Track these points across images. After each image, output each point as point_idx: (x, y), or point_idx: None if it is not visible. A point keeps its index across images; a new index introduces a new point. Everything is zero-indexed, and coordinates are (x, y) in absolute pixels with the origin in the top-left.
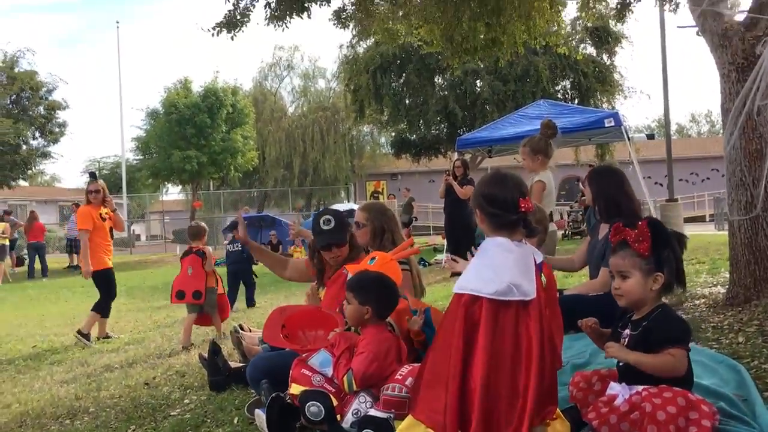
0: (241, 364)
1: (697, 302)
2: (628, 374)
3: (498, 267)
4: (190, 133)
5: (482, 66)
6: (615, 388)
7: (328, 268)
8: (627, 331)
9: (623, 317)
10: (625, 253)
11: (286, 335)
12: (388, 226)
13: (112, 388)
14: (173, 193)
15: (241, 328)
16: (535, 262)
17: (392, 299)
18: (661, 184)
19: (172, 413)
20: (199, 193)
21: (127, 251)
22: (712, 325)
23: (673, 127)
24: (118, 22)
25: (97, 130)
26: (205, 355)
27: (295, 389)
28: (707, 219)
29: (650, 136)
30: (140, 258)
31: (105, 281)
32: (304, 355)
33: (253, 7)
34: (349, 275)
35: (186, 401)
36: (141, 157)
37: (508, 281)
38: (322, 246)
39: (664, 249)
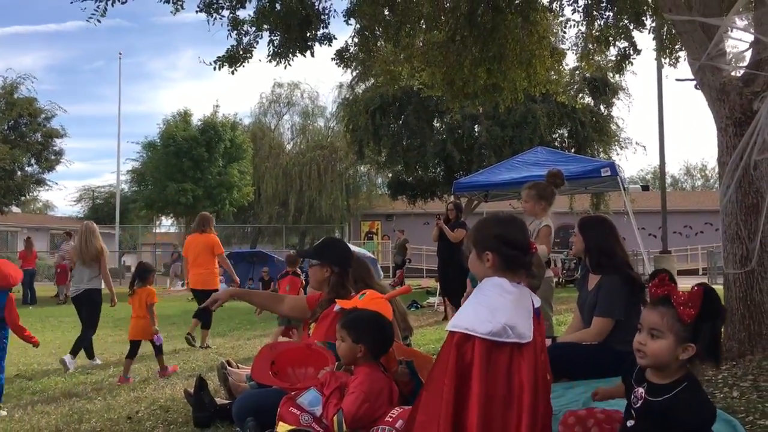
0: (227, 401)
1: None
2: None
3: (494, 307)
4: (186, 165)
5: (481, 111)
6: None
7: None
8: (641, 391)
9: (636, 369)
10: (665, 311)
11: (275, 372)
12: (354, 274)
13: (93, 421)
14: (166, 225)
15: (229, 365)
16: (533, 305)
17: (387, 340)
18: (655, 236)
19: None
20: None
21: (116, 282)
22: (706, 378)
23: (668, 180)
24: (120, 53)
25: (92, 158)
26: (191, 390)
27: (282, 428)
28: (700, 272)
29: (645, 188)
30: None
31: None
32: (292, 393)
33: (257, 44)
34: (339, 308)
35: None
36: (136, 188)
37: (503, 322)
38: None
39: (707, 321)
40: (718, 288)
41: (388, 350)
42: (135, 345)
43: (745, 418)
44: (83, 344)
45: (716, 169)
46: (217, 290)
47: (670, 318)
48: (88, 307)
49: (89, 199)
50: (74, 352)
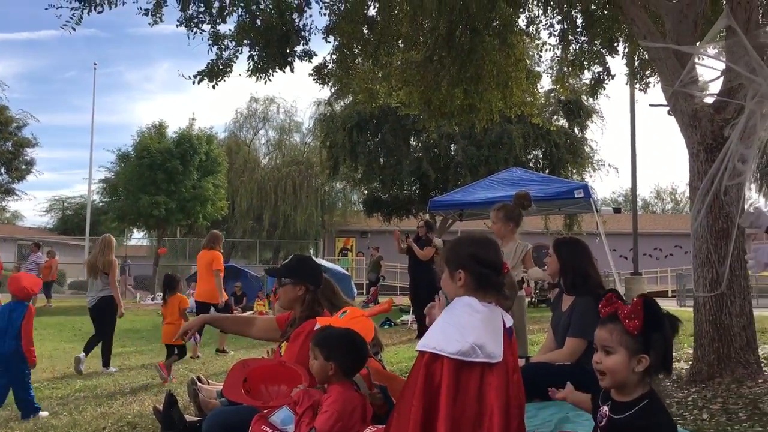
0: (196, 418)
1: (661, 376)
2: None
3: (463, 326)
4: (160, 178)
5: (457, 130)
6: None
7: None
8: (605, 409)
9: (603, 392)
10: (613, 327)
11: (247, 390)
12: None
13: None
14: (137, 237)
15: (199, 380)
16: (504, 325)
17: (359, 358)
18: (626, 258)
19: None
20: (165, 239)
21: (85, 295)
22: (676, 400)
23: (639, 202)
24: (96, 64)
25: (63, 168)
26: (160, 407)
27: None
28: (670, 294)
29: (617, 210)
30: None
31: None
32: (264, 411)
33: (236, 58)
34: (319, 327)
35: None
36: (108, 200)
37: (472, 341)
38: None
39: (655, 331)
40: (688, 311)
41: (362, 368)
42: (171, 348)
43: None
44: (96, 345)
45: (686, 193)
46: (217, 304)
47: (618, 333)
48: (106, 313)
49: (59, 209)
50: (87, 351)
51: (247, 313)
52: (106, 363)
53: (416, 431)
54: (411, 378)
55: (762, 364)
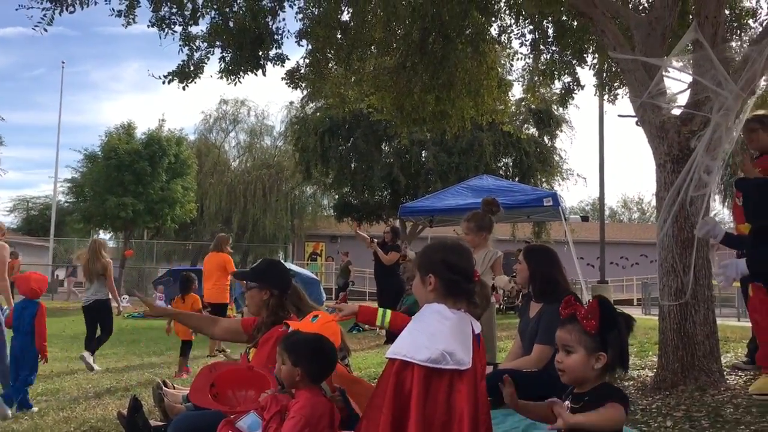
0: (161, 423)
1: (626, 383)
2: None
3: (433, 334)
4: (128, 179)
5: (429, 137)
6: None
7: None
8: (567, 403)
9: (567, 390)
10: (572, 327)
11: (214, 395)
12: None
13: None
14: (103, 239)
15: (165, 385)
16: (473, 332)
17: (327, 364)
18: (593, 266)
19: None
20: (132, 241)
21: (48, 296)
22: (641, 407)
23: (606, 212)
24: (63, 62)
25: (28, 168)
26: (124, 412)
27: None
28: (635, 303)
29: (585, 218)
30: (60, 305)
31: None
32: (231, 416)
33: (208, 60)
34: (292, 330)
35: None
36: (74, 200)
37: (441, 349)
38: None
39: (611, 330)
40: (653, 319)
41: (329, 375)
42: (186, 344)
43: None
44: (101, 344)
45: (653, 203)
46: (227, 304)
47: (577, 333)
48: (102, 314)
49: (23, 209)
50: (92, 350)
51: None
52: (92, 351)
53: None
54: (381, 385)
55: (724, 373)
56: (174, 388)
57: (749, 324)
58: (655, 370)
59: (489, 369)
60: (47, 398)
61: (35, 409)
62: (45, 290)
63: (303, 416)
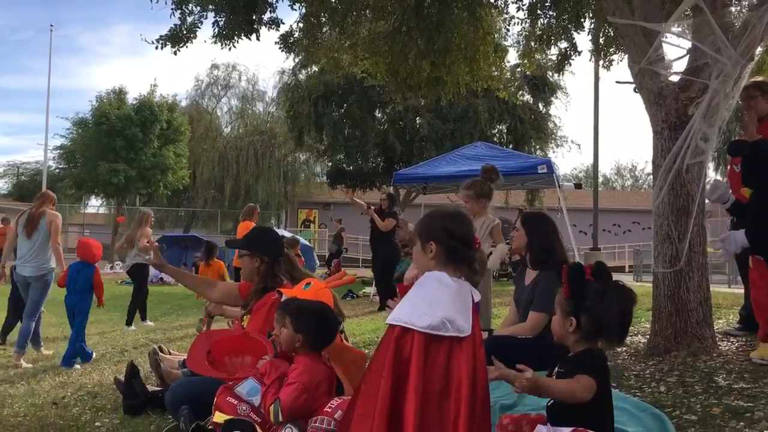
0: (158, 388)
1: (619, 350)
2: (556, 415)
3: (433, 301)
4: (119, 145)
5: (423, 103)
6: (541, 430)
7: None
8: (557, 367)
9: (562, 356)
10: (559, 289)
11: (211, 361)
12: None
13: (16, 406)
14: (94, 205)
15: (161, 350)
16: (472, 300)
17: (327, 334)
18: (585, 233)
19: None
20: (124, 207)
21: None
22: (634, 373)
23: (600, 179)
24: (52, 26)
25: (16, 133)
26: (121, 377)
27: (218, 417)
28: (626, 270)
29: (578, 186)
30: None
31: None
32: (230, 383)
33: (201, 24)
34: (284, 298)
35: (97, 424)
36: (64, 166)
37: (442, 316)
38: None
39: (584, 298)
40: (645, 286)
41: (329, 344)
42: None
43: (672, 412)
44: (137, 308)
45: (646, 170)
46: None
47: (559, 296)
48: (138, 279)
49: (13, 175)
50: (130, 322)
51: None
52: (129, 322)
53: (385, 403)
54: (380, 351)
55: (717, 339)
56: (170, 354)
57: (741, 290)
58: (647, 337)
59: (484, 335)
60: (43, 363)
61: (94, 355)
62: (101, 256)
63: (302, 382)
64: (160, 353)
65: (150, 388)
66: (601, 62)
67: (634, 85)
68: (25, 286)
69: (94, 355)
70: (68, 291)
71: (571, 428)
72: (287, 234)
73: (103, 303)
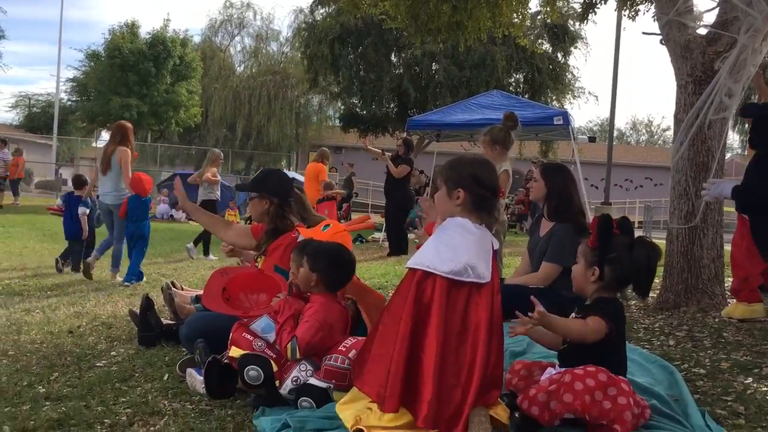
0: (171, 322)
1: (629, 303)
2: (567, 358)
3: (457, 247)
4: (132, 80)
5: (440, 48)
6: (550, 371)
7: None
8: (573, 315)
9: (579, 305)
10: (584, 239)
11: (227, 298)
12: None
13: (33, 333)
14: (105, 139)
15: (174, 285)
16: (492, 247)
17: (343, 275)
18: (596, 187)
19: (97, 364)
20: (136, 143)
21: (53, 195)
22: (643, 326)
23: (614, 133)
24: None
25: (28, 63)
26: (136, 310)
27: (234, 352)
28: (636, 225)
29: (592, 139)
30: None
31: None
32: (245, 319)
33: None
34: (302, 239)
35: (113, 353)
36: (77, 99)
37: (464, 262)
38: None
39: (611, 250)
40: (656, 241)
41: (346, 284)
42: None
43: (681, 365)
44: (209, 239)
45: (662, 126)
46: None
47: (584, 246)
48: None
49: (25, 106)
50: (207, 252)
51: None
52: (206, 252)
53: (404, 344)
54: (399, 294)
55: (727, 296)
56: (182, 289)
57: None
58: (657, 291)
59: None
60: (57, 293)
61: (144, 279)
62: (151, 190)
63: (317, 320)
64: (173, 288)
65: (164, 321)
66: (626, 12)
67: (660, 37)
68: (107, 213)
69: (144, 278)
70: (128, 221)
71: (582, 367)
72: (298, 176)
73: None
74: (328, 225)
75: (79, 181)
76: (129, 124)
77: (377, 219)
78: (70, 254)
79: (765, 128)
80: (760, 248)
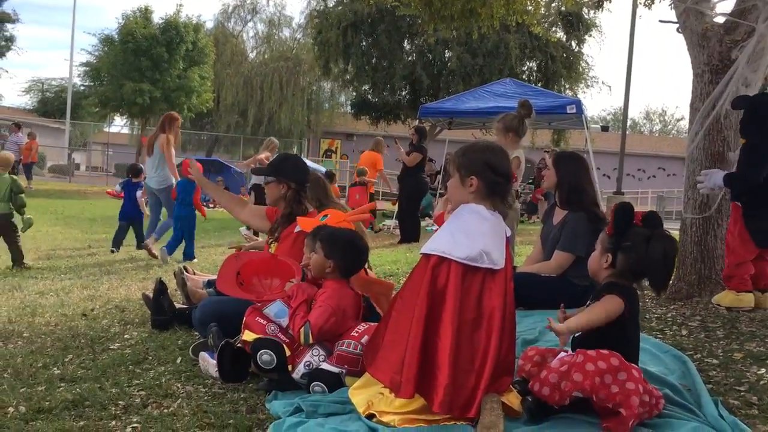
0: (184, 306)
1: (640, 293)
2: (581, 345)
3: (472, 233)
4: (145, 65)
5: (454, 36)
6: (562, 356)
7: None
8: (588, 302)
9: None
10: (604, 228)
11: (240, 282)
12: (310, 193)
13: (47, 315)
14: (118, 125)
15: (186, 270)
16: (506, 234)
17: (357, 261)
18: (608, 176)
19: (111, 347)
20: (148, 128)
21: (65, 179)
22: (656, 316)
23: (628, 122)
24: None
25: (41, 48)
26: (149, 293)
27: (248, 336)
28: None
29: (605, 128)
30: (79, 188)
31: None
32: (258, 304)
33: None
34: (298, 229)
35: (126, 336)
36: (90, 84)
37: (480, 248)
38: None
39: (625, 239)
40: (669, 232)
41: (358, 271)
42: None
43: (694, 355)
44: None
45: (675, 116)
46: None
47: (603, 233)
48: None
49: (38, 91)
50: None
51: None
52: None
53: (419, 329)
54: (413, 280)
55: None
56: (195, 274)
57: None
58: (670, 281)
59: None
60: (70, 275)
61: (196, 260)
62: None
63: (330, 306)
64: (185, 272)
65: (177, 305)
66: (642, 0)
67: (677, 25)
68: (151, 195)
69: (195, 260)
70: (177, 203)
71: (595, 350)
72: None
73: (205, 215)
74: (326, 215)
75: (135, 170)
76: (176, 114)
77: (387, 206)
78: (121, 237)
79: (754, 119)
80: (753, 235)
